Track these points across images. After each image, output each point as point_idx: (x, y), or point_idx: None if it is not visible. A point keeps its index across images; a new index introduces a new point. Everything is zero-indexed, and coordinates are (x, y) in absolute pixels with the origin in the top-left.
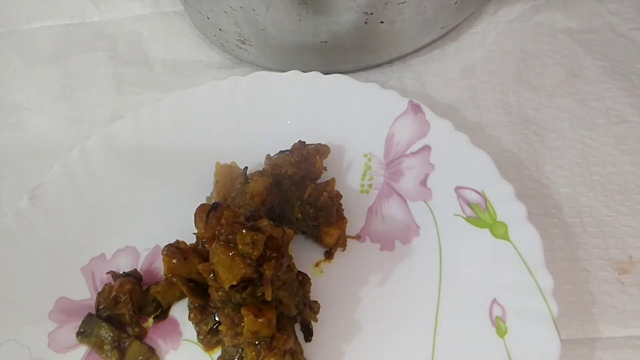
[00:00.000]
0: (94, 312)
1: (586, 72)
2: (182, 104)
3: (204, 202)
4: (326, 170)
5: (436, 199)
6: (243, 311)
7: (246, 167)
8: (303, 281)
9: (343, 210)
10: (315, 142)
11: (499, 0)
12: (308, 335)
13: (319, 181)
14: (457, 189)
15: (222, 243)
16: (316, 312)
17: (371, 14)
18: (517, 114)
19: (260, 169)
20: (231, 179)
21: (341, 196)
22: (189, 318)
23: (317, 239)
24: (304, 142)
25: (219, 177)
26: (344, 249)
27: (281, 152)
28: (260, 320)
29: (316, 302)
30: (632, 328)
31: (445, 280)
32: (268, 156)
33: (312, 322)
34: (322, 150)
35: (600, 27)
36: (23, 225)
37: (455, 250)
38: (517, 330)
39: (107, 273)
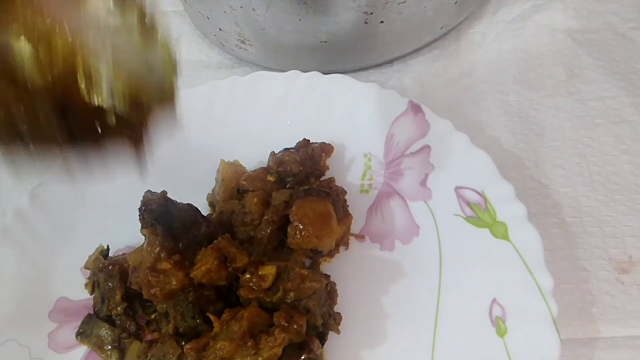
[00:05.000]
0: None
1: (586, 72)
2: (182, 103)
3: (205, 201)
4: (328, 169)
5: (436, 199)
6: (275, 317)
7: (239, 188)
8: (331, 292)
9: (348, 206)
10: (315, 142)
11: (498, 0)
12: (321, 343)
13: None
14: (457, 188)
15: None
16: (338, 324)
17: (371, 13)
18: (517, 113)
19: (261, 167)
20: (236, 177)
21: (345, 192)
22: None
23: None
24: (309, 141)
25: (225, 175)
26: (347, 248)
27: (286, 149)
28: (292, 326)
29: (339, 313)
30: (632, 328)
31: (445, 280)
32: (272, 153)
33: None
34: (326, 149)
35: (600, 27)
36: (23, 225)
37: (455, 250)
38: (517, 330)
39: None
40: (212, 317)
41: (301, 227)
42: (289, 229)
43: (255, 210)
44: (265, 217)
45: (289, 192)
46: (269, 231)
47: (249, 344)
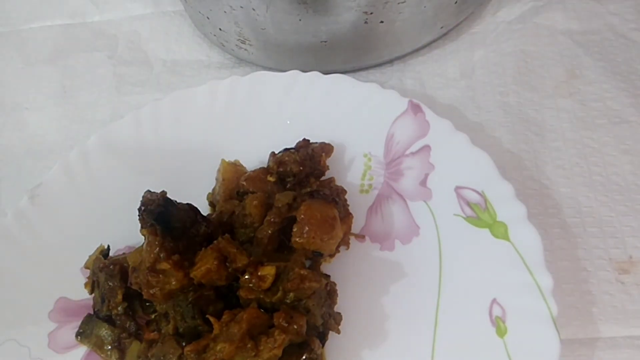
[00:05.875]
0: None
1: (586, 73)
2: (182, 103)
3: (205, 200)
4: (328, 169)
5: (436, 199)
6: (275, 317)
7: (239, 190)
8: (330, 292)
9: (348, 205)
10: (315, 142)
11: (499, 0)
12: (322, 343)
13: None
14: (457, 189)
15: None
16: (338, 323)
17: (371, 13)
18: (517, 114)
19: (261, 167)
20: (237, 177)
21: (345, 192)
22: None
23: None
24: (309, 140)
25: (225, 175)
26: (348, 247)
27: (286, 149)
28: (292, 327)
29: (339, 313)
30: (632, 328)
31: (445, 280)
32: (272, 153)
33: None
34: (326, 149)
35: (601, 28)
36: (23, 225)
37: (455, 250)
38: (517, 330)
39: None
40: (211, 319)
41: (307, 228)
42: (294, 228)
43: (256, 213)
44: (267, 218)
45: (292, 194)
46: (269, 232)
47: (249, 345)
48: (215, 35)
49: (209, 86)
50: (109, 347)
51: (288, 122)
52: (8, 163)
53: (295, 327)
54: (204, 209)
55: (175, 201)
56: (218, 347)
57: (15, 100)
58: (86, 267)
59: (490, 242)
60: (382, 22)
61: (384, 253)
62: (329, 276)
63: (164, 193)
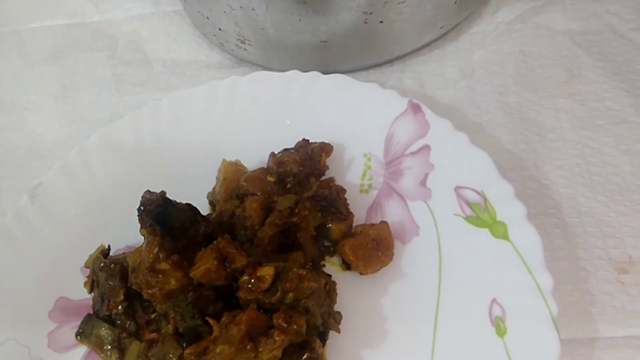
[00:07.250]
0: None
1: (586, 73)
2: (182, 103)
3: (205, 200)
4: (328, 169)
5: (436, 198)
6: (275, 318)
7: (238, 193)
8: (330, 291)
9: (348, 204)
10: (315, 142)
11: (498, 0)
12: (322, 342)
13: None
14: (457, 188)
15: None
16: (338, 323)
17: (370, 13)
18: (517, 114)
19: (261, 167)
20: (238, 177)
21: (345, 190)
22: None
23: (325, 233)
24: (308, 141)
25: (226, 174)
26: None
27: (285, 149)
28: (292, 327)
29: (339, 312)
30: (631, 328)
31: (445, 280)
32: (272, 154)
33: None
34: (326, 149)
35: (600, 28)
36: (23, 225)
37: (455, 250)
38: (517, 330)
39: None
40: (211, 321)
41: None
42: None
43: (255, 216)
44: (269, 220)
45: (294, 198)
46: (270, 233)
47: (248, 347)
48: (214, 35)
49: (209, 86)
50: (109, 347)
51: (288, 122)
52: (8, 163)
53: (294, 327)
54: (204, 209)
55: (175, 201)
56: (218, 350)
57: (15, 100)
58: (86, 266)
59: (490, 242)
60: (381, 22)
61: None
62: (330, 275)
63: (163, 193)
